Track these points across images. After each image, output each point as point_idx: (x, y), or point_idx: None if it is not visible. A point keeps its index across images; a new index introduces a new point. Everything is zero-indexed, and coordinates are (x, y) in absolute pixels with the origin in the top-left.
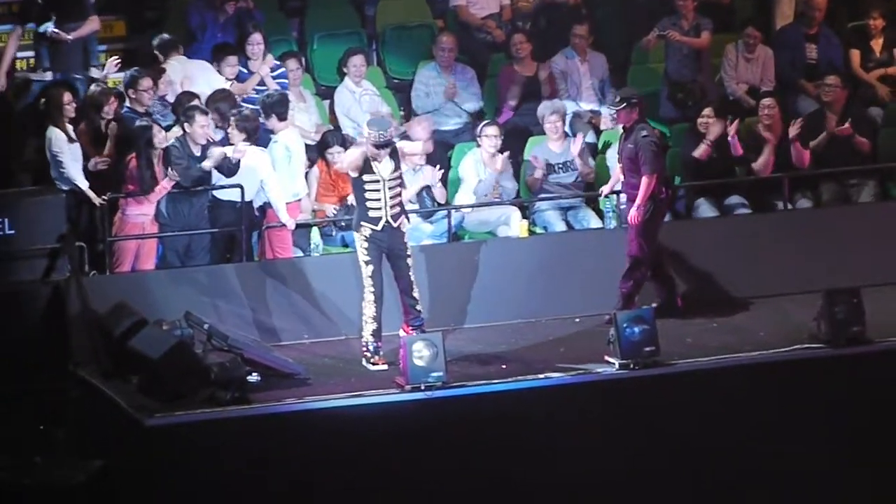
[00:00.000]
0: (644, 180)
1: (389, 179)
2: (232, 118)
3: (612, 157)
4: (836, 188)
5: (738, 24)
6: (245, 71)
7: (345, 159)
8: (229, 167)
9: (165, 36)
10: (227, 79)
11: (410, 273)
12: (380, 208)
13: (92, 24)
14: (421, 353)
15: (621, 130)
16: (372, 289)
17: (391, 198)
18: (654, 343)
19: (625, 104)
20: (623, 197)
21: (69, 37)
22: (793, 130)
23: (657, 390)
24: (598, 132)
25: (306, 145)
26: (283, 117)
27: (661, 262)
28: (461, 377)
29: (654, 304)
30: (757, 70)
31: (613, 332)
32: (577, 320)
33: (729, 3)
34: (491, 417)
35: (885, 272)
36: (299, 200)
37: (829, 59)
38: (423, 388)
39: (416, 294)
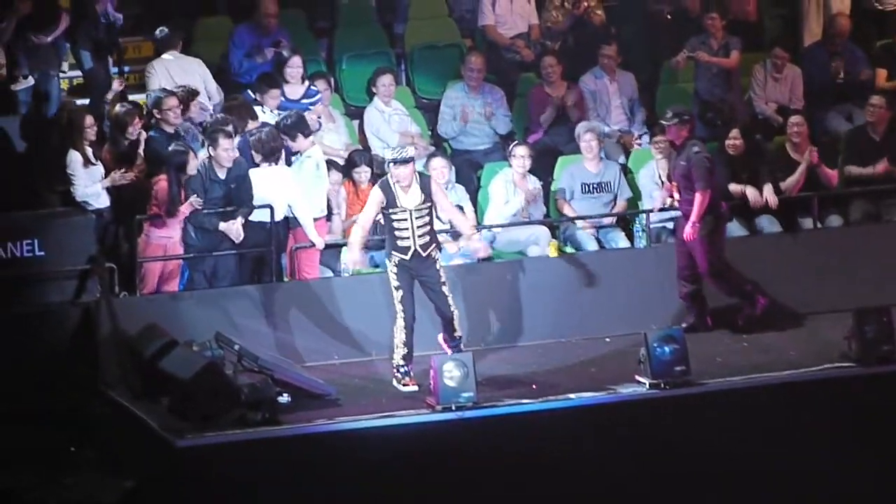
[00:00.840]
0: (698, 196)
1: (416, 209)
2: (251, 138)
3: (644, 175)
4: (866, 206)
5: (767, 43)
6: (284, 99)
7: (362, 216)
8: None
9: (165, 30)
10: (270, 110)
11: (449, 301)
12: (408, 237)
13: (63, 23)
14: (451, 373)
15: (671, 148)
16: (402, 314)
17: (419, 227)
18: (684, 363)
19: (677, 120)
20: (654, 216)
21: (48, 39)
22: (813, 158)
23: (688, 410)
24: (627, 152)
25: (337, 164)
26: (307, 134)
27: (699, 282)
28: (491, 397)
29: (684, 324)
30: (785, 89)
31: (644, 352)
32: (608, 340)
33: (757, 21)
34: (522, 437)
35: None
36: (326, 217)
37: (855, 77)
38: (453, 408)
39: (457, 325)
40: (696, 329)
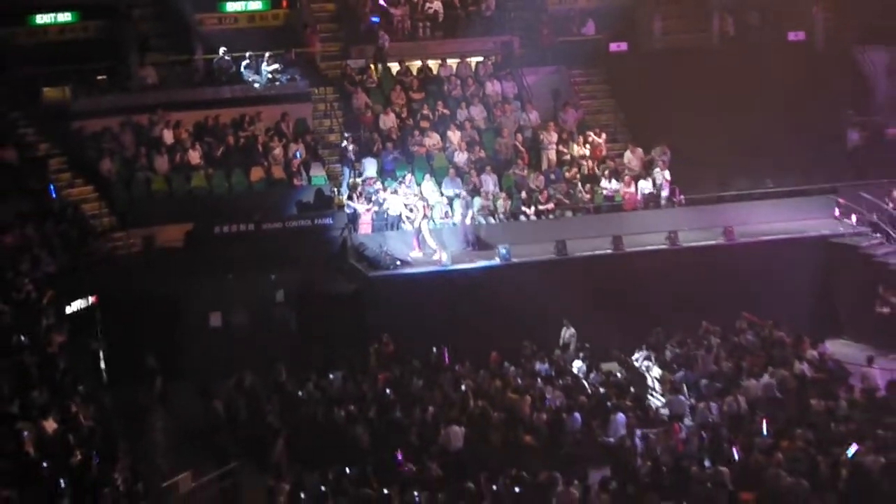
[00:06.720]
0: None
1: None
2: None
3: None
4: None
5: None
6: None
7: None
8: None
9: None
10: None
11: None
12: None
13: None
14: (441, 252)
15: None
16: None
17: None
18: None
19: None
20: None
21: None
22: None
23: (510, 274)
24: None
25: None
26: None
27: None
28: (460, 261)
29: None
30: None
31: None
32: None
33: None
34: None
35: None
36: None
37: None
38: (440, 266)
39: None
40: None
